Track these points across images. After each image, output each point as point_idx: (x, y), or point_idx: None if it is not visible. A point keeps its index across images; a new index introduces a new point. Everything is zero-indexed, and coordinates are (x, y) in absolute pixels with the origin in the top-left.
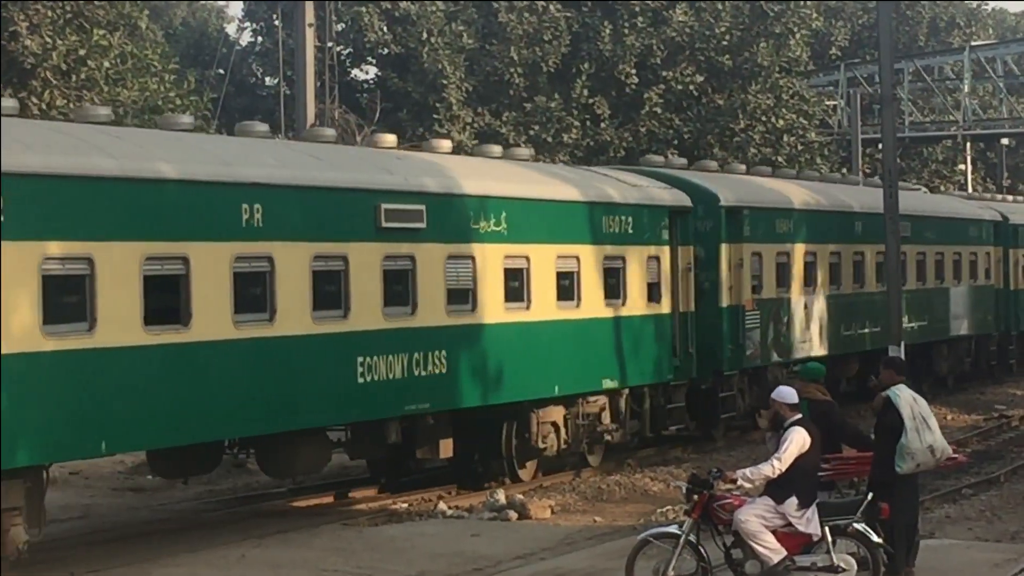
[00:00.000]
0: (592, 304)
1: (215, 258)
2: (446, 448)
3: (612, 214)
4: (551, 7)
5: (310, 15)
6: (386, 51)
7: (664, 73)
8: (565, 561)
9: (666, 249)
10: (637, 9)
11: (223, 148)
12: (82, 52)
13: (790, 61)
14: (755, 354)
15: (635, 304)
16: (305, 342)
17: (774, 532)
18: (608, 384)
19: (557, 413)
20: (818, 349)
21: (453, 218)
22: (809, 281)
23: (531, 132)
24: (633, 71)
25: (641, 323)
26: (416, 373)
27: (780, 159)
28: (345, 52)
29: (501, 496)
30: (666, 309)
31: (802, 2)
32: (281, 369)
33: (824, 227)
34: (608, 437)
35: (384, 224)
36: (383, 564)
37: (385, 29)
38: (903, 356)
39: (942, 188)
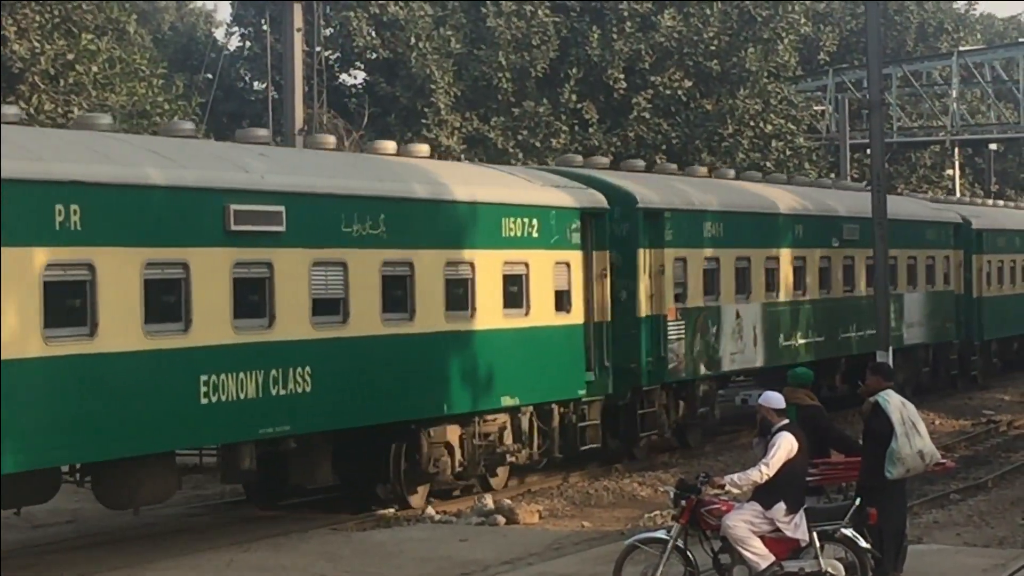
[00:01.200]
0: (489, 314)
1: (20, 265)
2: (323, 472)
3: (514, 216)
4: (539, 12)
5: (298, 19)
6: (374, 56)
7: (652, 78)
8: (553, 566)
9: (578, 254)
10: (625, 14)
11: (40, 142)
12: (70, 56)
13: (778, 66)
14: (679, 367)
15: (541, 314)
16: (134, 359)
17: (762, 537)
18: (508, 401)
19: (451, 433)
20: (754, 361)
21: (320, 221)
22: (742, 288)
23: (519, 137)
24: (621, 76)
25: (548, 334)
26: (274, 392)
27: (768, 164)
28: (333, 57)
29: (489, 501)
30: (578, 319)
31: (790, 7)
32: (105, 390)
33: (760, 231)
34: (511, 458)
35: (234, 227)
36: (371, 569)
37: (373, 34)
38: (891, 362)
39: (930, 193)
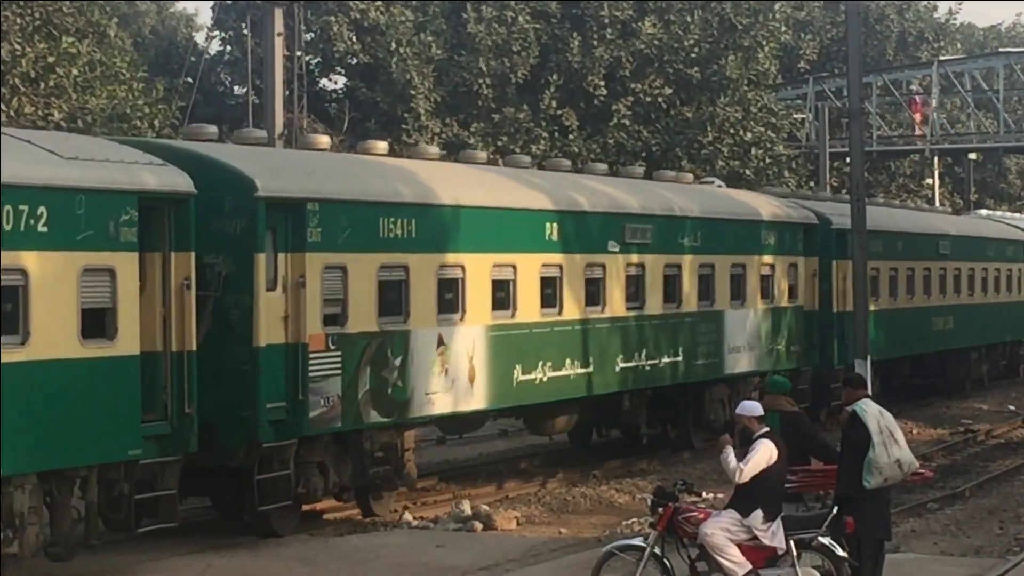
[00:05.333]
0: None
1: None
2: None
3: None
4: (520, 18)
5: (279, 24)
6: (355, 61)
7: (633, 85)
8: (530, 572)
9: (130, 258)
10: (606, 21)
11: None
12: (51, 59)
13: (758, 74)
14: (332, 413)
15: (51, 343)
16: None
17: (739, 545)
18: None
19: None
20: (470, 403)
21: None
22: (451, 306)
23: (499, 143)
24: (602, 83)
25: (66, 372)
26: None
27: (748, 172)
28: (314, 62)
29: (466, 507)
30: (128, 349)
31: (771, 15)
32: None
33: (482, 231)
34: (8, 548)
35: None
36: (348, 574)
37: (354, 39)
38: (867, 373)
39: (910, 202)
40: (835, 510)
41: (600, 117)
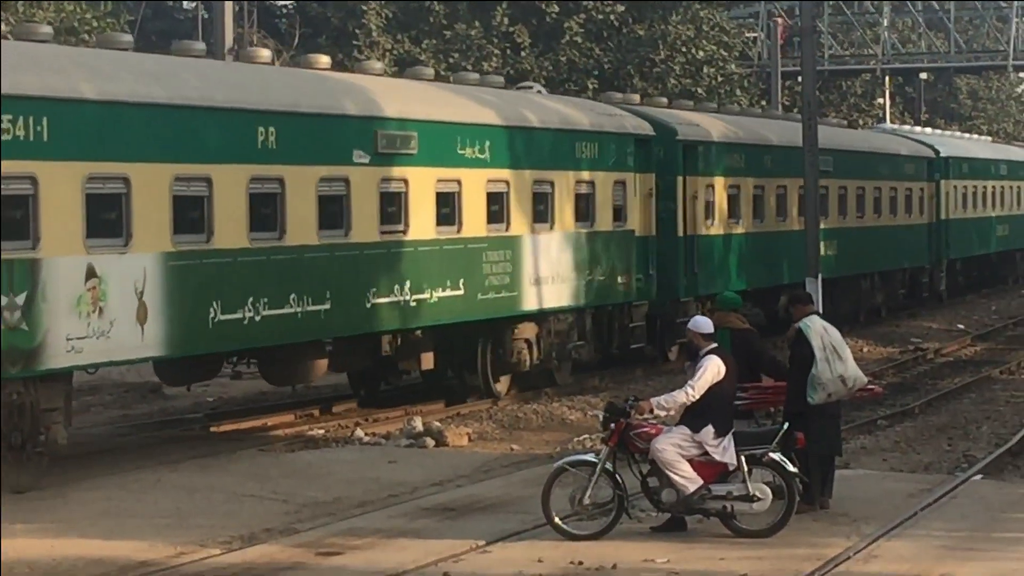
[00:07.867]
0: None
1: None
2: None
3: None
4: None
5: None
6: None
7: (585, 2)
8: (481, 488)
9: None
10: None
11: None
12: None
13: None
14: None
15: None
16: None
17: (690, 461)
18: None
19: None
20: (138, 349)
21: None
22: (111, 229)
23: (451, 60)
24: (554, 0)
25: None
26: None
27: (700, 91)
28: None
29: (418, 423)
30: None
31: None
32: None
33: (156, 134)
34: None
35: None
36: (299, 490)
37: None
38: (818, 292)
39: (861, 122)
40: (785, 426)
41: (552, 35)
